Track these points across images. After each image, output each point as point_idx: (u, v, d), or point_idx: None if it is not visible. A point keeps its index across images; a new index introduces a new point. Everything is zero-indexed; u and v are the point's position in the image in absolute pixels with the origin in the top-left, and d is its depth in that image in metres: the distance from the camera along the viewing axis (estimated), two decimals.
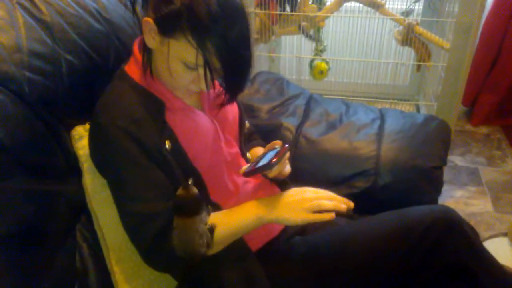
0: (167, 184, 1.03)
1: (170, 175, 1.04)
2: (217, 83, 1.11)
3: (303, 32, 2.23)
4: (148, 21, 0.96)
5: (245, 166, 1.10)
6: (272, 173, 1.09)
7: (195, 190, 0.98)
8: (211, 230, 1.01)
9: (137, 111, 1.02)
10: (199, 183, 1.08)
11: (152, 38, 0.99)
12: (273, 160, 1.02)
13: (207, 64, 0.94)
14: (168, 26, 0.94)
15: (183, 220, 0.97)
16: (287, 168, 1.14)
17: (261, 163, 1.05)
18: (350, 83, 2.60)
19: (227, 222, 1.05)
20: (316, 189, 1.07)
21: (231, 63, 0.96)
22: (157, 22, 0.96)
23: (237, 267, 1.09)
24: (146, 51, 1.04)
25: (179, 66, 0.98)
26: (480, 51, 2.51)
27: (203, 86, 1.01)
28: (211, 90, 1.02)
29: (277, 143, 1.14)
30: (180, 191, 0.97)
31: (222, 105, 1.12)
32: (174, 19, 0.92)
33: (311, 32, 2.24)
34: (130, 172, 1.01)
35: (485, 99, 2.68)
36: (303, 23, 2.18)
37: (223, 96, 1.08)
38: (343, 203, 1.03)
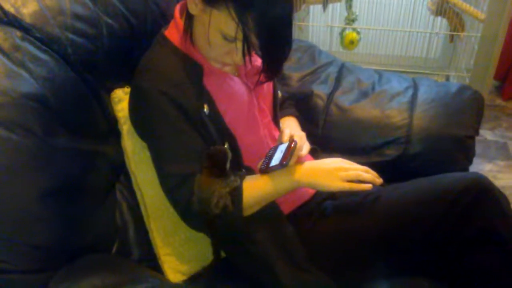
0: (204, 147, 1.05)
1: (208, 138, 1.06)
2: (258, 60, 1.13)
3: (324, 4, 2.19)
4: None
5: (261, 162, 1.11)
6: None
7: (225, 152, 1.01)
8: (235, 193, 1.03)
9: (177, 75, 1.04)
10: (234, 146, 1.10)
11: (194, 5, 0.99)
12: (284, 162, 1.04)
13: (246, 39, 0.95)
14: None
15: (204, 178, 1.01)
16: (304, 152, 1.14)
17: (273, 163, 1.06)
18: (380, 55, 2.57)
19: (264, 184, 1.07)
20: (350, 162, 1.10)
21: (269, 41, 0.97)
22: None
23: (270, 228, 1.12)
24: (188, 17, 1.05)
25: (217, 37, 0.99)
26: None
27: (237, 59, 1.03)
28: (248, 59, 1.03)
29: (285, 136, 1.14)
30: (213, 147, 1.01)
31: (261, 82, 1.13)
32: None
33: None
34: (168, 135, 1.04)
35: None
36: None
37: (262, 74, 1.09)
38: (377, 178, 1.07)
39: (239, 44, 0.98)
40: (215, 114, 1.08)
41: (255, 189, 1.07)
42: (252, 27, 0.93)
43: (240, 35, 0.95)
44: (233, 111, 1.11)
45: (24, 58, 0.97)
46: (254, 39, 0.95)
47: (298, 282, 1.08)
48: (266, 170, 1.07)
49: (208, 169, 1.02)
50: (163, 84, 1.02)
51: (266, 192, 1.08)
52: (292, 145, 1.07)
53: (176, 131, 1.04)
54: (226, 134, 1.09)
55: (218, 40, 1.00)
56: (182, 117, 1.03)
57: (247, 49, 0.97)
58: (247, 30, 0.94)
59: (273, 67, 1.06)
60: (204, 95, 1.06)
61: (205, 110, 1.05)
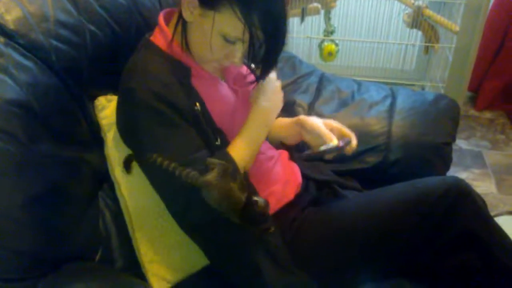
0: (199, 139, 1.04)
1: (202, 134, 1.05)
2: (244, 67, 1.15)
3: (302, 16, 2.24)
4: None
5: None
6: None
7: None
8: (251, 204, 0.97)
9: (166, 76, 1.03)
10: (225, 143, 1.10)
11: (190, 12, 1.00)
12: (341, 145, 1.12)
13: (252, 37, 0.97)
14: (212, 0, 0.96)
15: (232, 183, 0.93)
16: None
17: (324, 148, 1.13)
18: (358, 67, 2.62)
19: (242, 141, 1.09)
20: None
21: (273, 36, 0.99)
22: None
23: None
24: (182, 23, 1.05)
25: (219, 40, 1.00)
26: (486, 36, 2.52)
27: (236, 60, 1.05)
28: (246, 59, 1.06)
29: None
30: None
31: (253, 82, 1.14)
32: None
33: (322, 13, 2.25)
34: (165, 131, 1.01)
35: (490, 84, 2.70)
36: (311, 5, 2.20)
37: (254, 74, 1.10)
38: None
39: (239, 45, 1.00)
40: (205, 112, 1.07)
41: (238, 149, 1.07)
42: (258, 25, 0.95)
43: (246, 36, 0.97)
44: (219, 113, 1.11)
45: (7, 64, 0.96)
46: (260, 37, 0.97)
47: (283, 284, 1.08)
48: (313, 154, 1.18)
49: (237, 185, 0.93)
50: (153, 84, 1.00)
51: (249, 146, 1.09)
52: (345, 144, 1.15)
53: (173, 128, 1.01)
54: (217, 131, 1.09)
55: (219, 42, 1.01)
56: (175, 114, 1.01)
57: (253, 48, 0.99)
58: (254, 29, 0.96)
59: (271, 63, 1.09)
60: (193, 94, 1.06)
61: (197, 107, 1.05)
